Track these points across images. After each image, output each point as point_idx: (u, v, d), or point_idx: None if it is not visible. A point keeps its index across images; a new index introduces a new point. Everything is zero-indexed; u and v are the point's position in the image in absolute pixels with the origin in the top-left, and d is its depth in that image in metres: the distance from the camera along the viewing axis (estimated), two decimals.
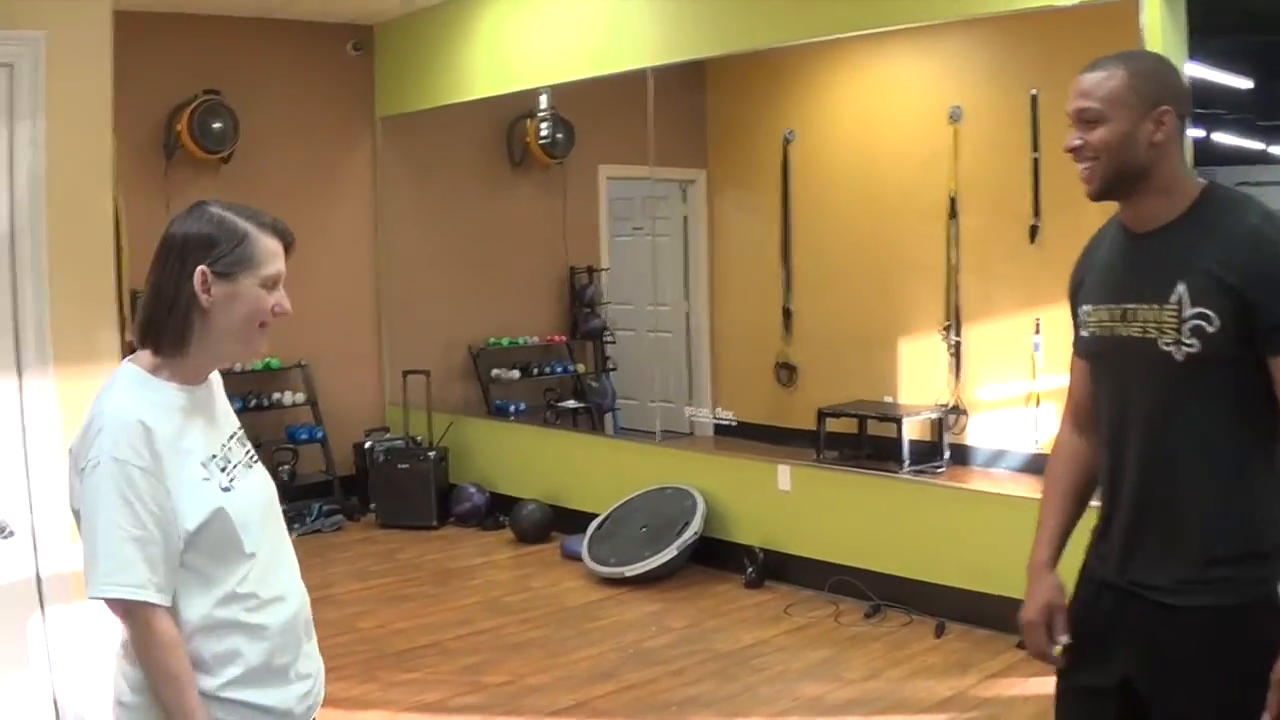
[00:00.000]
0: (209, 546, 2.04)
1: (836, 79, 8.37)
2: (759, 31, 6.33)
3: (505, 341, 8.98)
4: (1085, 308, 2.41)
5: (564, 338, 9.28)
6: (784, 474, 6.38)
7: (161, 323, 2.07)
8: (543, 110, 8.07)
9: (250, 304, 2.08)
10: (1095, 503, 2.45)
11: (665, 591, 6.31)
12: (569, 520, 7.31)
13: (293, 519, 7.71)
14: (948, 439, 7.60)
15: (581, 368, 9.30)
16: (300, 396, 8.09)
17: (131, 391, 2.05)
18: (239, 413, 8.02)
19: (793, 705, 4.78)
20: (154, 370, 2.09)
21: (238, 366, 7.53)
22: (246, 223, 2.09)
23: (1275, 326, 2.12)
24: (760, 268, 8.91)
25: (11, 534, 3.34)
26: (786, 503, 6.38)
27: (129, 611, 1.98)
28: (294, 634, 2.19)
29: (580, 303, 9.26)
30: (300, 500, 7.84)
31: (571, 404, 9.12)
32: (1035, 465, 6.65)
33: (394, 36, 8.51)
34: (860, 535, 6.01)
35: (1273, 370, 2.15)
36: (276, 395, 7.93)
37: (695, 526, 6.49)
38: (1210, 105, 10.35)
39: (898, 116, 8.03)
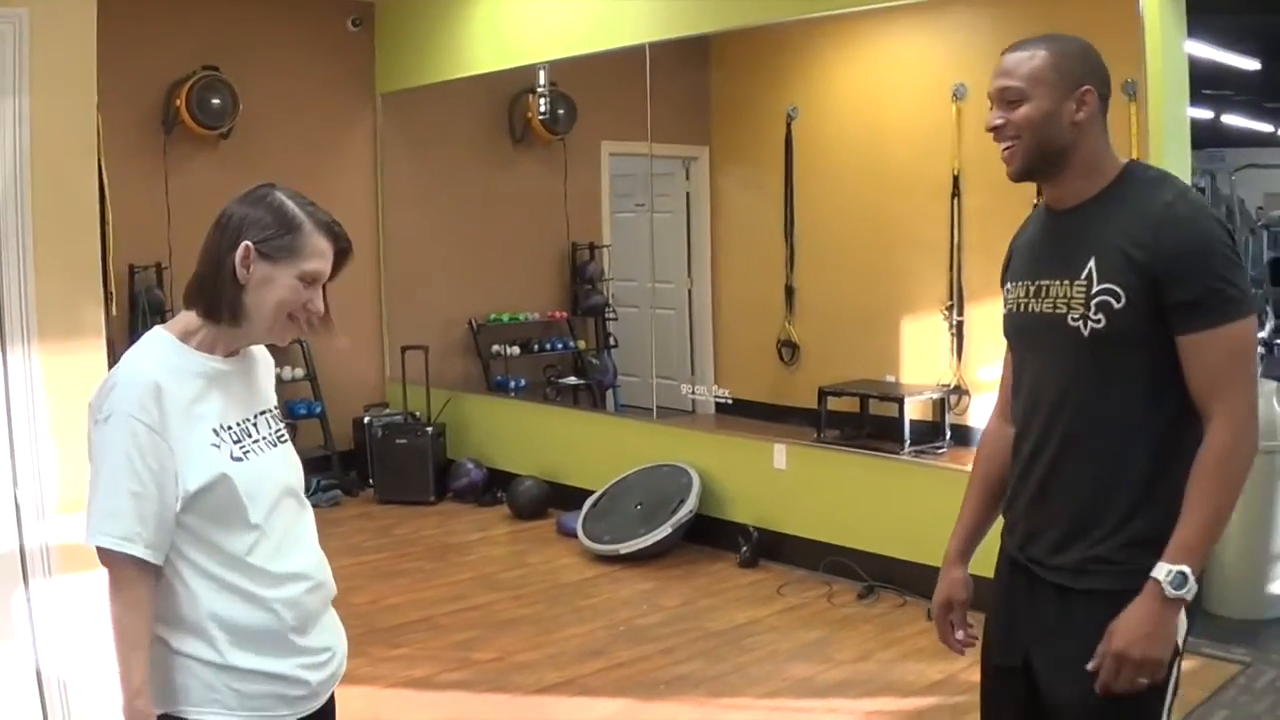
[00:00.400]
0: (211, 509, 2.07)
1: (840, 55, 8.31)
2: (759, 6, 6.30)
3: (506, 317, 8.97)
4: (1007, 286, 2.44)
5: (565, 314, 9.27)
6: (779, 453, 6.38)
7: (202, 288, 2.12)
8: (541, 86, 8.05)
9: (283, 293, 2.11)
10: None
11: (659, 569, 6.32)
12: (566, 496, 7.31)
13: None
14: (949, 419, 7.57)
15: (582, 344, 9.29)
16: (299, 371, 8.11)
17: (153, 353, 2.10)
18: None
19: (782, 686, 4.79)
20: (188, 335, 2.13)
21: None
22: (305, 216, 2.14)
23: (1182, 304, 2.10)
24: (763, 245, 8.86)
25: None
26: (781, 481, 6.38)
27: (110, 561, 2.01)
28: (308, 608, 2.20)
29: (581, 279, 9.25)
30: None
31: (572, 380, 9.12)
32: None
33: (393, 12, 8.49)
34: (855, 515, 6.01)
35: (1180, 349, 2.13)
36: (276, 370, 7.91)
37: (690, 504, 6.49)
38: (1218, 86, 10.29)
39: (901, 93, 7.97)
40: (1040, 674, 2.29)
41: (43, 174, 3.39)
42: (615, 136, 8.93)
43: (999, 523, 2.51)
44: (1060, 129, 2.20)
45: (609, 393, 9.14)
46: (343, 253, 2.20)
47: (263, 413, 2.25)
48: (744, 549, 6.35)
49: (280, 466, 2.24)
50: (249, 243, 2.07)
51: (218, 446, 2.09)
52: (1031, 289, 2.33)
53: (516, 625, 5.55)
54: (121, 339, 4.72)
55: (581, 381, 9.15)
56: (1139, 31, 4.78)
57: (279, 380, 8.21)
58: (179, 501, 2.04)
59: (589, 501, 6.91)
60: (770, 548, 6.36)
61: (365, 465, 8.14)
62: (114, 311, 3.85)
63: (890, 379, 8.11)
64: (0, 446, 3.46)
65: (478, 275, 8.92)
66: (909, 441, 7.30)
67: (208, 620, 2.07)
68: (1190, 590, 2.09)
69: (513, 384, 8.83)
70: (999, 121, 2.25)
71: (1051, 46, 2.22)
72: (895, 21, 7.50)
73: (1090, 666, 2.14)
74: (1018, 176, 2.28)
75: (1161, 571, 2.09)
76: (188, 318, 2.15)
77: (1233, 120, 13.35)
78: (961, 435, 7.67)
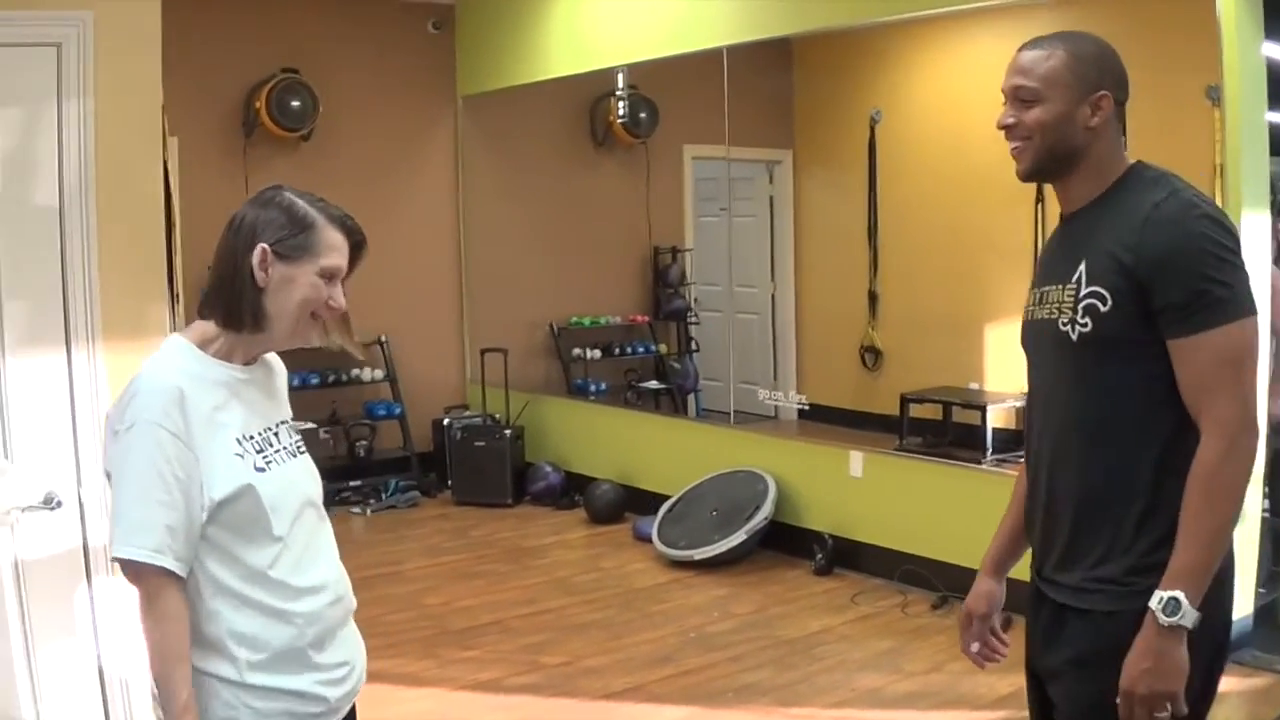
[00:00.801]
0: (234, 521, 2.03)
1: (924, 58, 8.20)
2: (839, 8, 6.23)
3: (587, 321, 8.97)
4: (1027, 296, 2.36)
5: (647, 318, 9.24)
6: (856, 460, 6.30)
7: (220, 295, 2.09)
8: (620, 89, 8.03)
9: (305, 291, 2.08)
10: None
11: (733, 576, 6.27)
12: (642, 501, 7.29)
13: (368, 495, 7.78)
14: None
15: (664, 348, 9.26)
16: (379, 373, 8.16)
17: (173, 361, 2.07)
18: (318, 388, 8.12)
19: (850, 696, 4.72)
20: (205, 344, 2.10)
21: (315, 342, 7.61)
22: (316, 212, 2.10)
23: (1167, 307, 2.02)
24: (846, 250, 8.77)
25: (60, 504, 3.38)
26: (858, 489, 6.30)
27: (139, 574, 1.97)
28: (328, 622, 2.16)
29: (664, 283, 9.21)
30: (377, 476, 7.92)
31: (653, 385, 9.08)
32: None
33: (474, 14, 8.52)
34: (932, 525, 5.91)
35: (1171, 355, 2.04)
36: (355, 371, 7.99)
37: (765, 511, 6.43)
38: None
39: (985, 97, 7.77)
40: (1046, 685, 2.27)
41: (107, 175, 3.42)
42: (697, 140, 8.89)
43: None
44: (1073, 133, 2.14)
45: (690, 397, 9.09)
46: (357, 246, 2.16)
47: (282, 423, 2.22)
48: (819, 557, 6.27)
49: (302, 477, 2.21)
50: (265, 245, 2.05)
51: (241, 456, 2.06)
52: (1037, 296, 2.27)
53: (587, 630, 5.52)
54: None
55: (663, 386, 9.12)
56: (1217, 36, 4.64)
57: (359, 382, 8.33)
58: (204, 512, 2.01)
59: (665, 507, 6.88)
60: (846, 556, 6.28)
61: (444, 467, 8.18)
62: (180, 312, 3.88)
63: (974, 386, 7.97)
64: (65, 444, 3.49)
65: (559, 278, 8.92)
66: (990, 450, 7.16)
67: (228, 638, 2.04)
68: (1186, 617, 1.99)
69: (593, 387, 8.82)
70: (1010, 120, 2.20)
71: (1070, 47, 2.15)
72: (979, 23, 7.37)
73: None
74: (1026, 177, 2.23)
75: (1155, 600, 2.01)
76: (204, 326, 2.12)
77: None
78: None
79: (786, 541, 6.51)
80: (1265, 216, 4.89)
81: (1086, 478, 2.15)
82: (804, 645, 5.29)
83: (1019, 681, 4.56)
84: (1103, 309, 2.07)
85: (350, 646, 2.26)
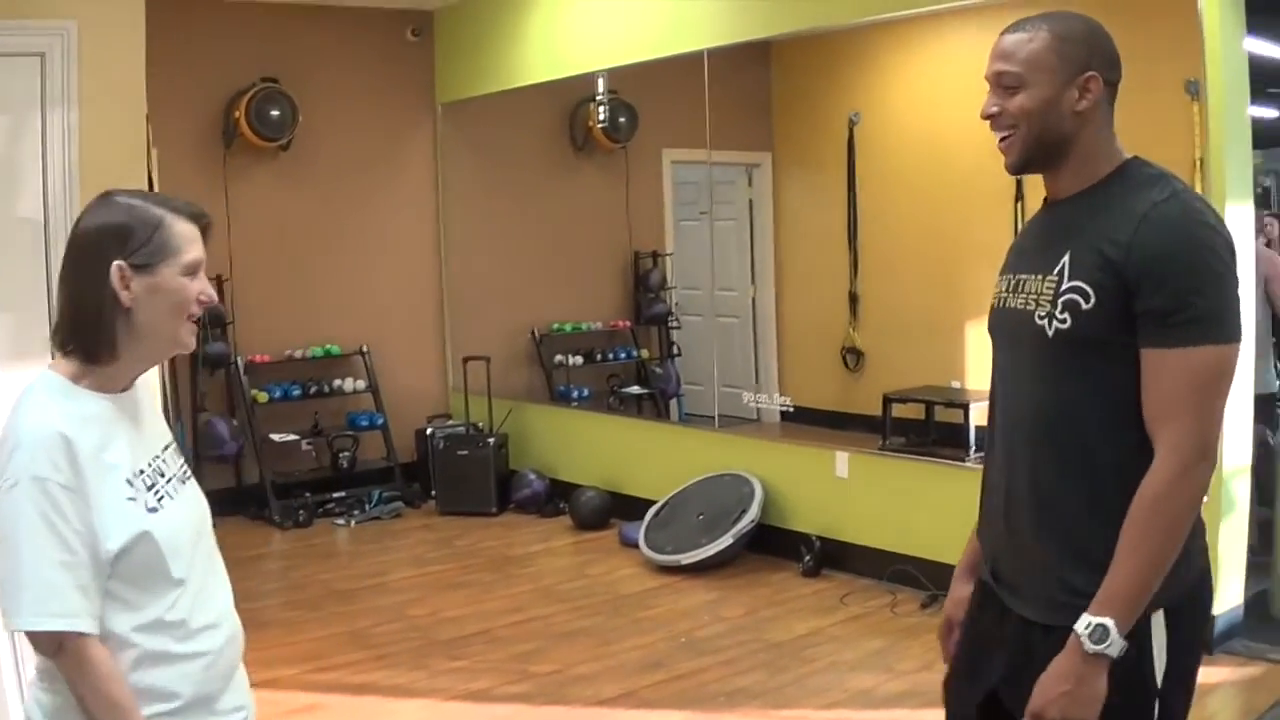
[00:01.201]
0: (132, 572, 1.91)
1: (902, 59, 8.22)
2: (817, 10, 6.23)
3: (569, 327, 8.96)
4: (997, 280, 2.25)
5: (628, 323, 9.23)
6: (841, 461, 6.30)
7: (83, 328, 1.92)
8: (600, 94, 8.03)
9: (174, 295, 1.94)
10: None
11: (721, 580, 6.26)
12: (629, 507, 7.27)
13: (352, 506, 7.75)
14: None
15: (646, 353, 9.24)
16: (361, 383, 8.12)
17: (51, 402, 1.90)
18: (299, 400, 8.06)
19: (843, 697, 4.71)
20: (76, 378, 1.94)
21: (297, 353, 7.58)
22: (159, 209, 1.95)
23: (1149, 312, 1.90)
24: (826, 252, 8.78)
25: None
26: (844, 490, 6.30)
27: (60, 645, 1.83)
28: (225, 663, 2.07)
29: (644, 288, 9.20)
30: (360, 487, 7.88)
31: (636, 390, 9.07)
32: None
33: (453, 21, 8.51)
34: (919, 523, 5.91)
35: (1142, 364, 1.93)
36: (337, 382, 7.95)
37: (752, 514, 6.42)
38: None
39: (964, 98, 7.79)
40: (1012, 708, 2.07)
41: (92, 186, 3.39)
42: (677, 144, 8.89)
43: None
44: (1060, 118, 2.01)
45: (673, 402, 9.09)
46: (206, 229, 2.01)
47: (166, 447, 2.08)
48: (807, 558, 6.27)
49: (193, 507, 2.10)
50: (119, 262, 1.89)
51: (133, 499, 1.92)
52: (1012, 283, 2.15)
53: (576, 637, 5.51)
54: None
55: (645, 391, 9.10)
56: (1198, 30, 4.66)
57: (341, 392, 8.28)
58: (108, 565, 1.87)
59: (651, 512, 6.86)
60: (834, 557, 6.28)
61: (427, 477, 8.14)
62: None
63: (955, 385, 7.99)
64: None
65: (540, 285, 8.90)
66: (974, 448, 7.18)
67: (136, 696, 1.91)
68: (1112, 646, 1.88)
69: (576, 394, 8.81)
70: (994, 109, 2.07)
71: (1054, 27, 2.02)
72: (957, 24, 7.40)
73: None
74: (1015, 169, 2.12)
75: (1082, 624, 1.91)
76: (69, 362, 1.95)
77: None
78: None
79: (774, 544, 6.51)
80: (1248, 209, 4.92)
81: (1058, 483, 2.03)
82: (794, 647, 5.28)
83: None
84: (1084, 306, 1.96)
85: (241, 691, 2.15)
